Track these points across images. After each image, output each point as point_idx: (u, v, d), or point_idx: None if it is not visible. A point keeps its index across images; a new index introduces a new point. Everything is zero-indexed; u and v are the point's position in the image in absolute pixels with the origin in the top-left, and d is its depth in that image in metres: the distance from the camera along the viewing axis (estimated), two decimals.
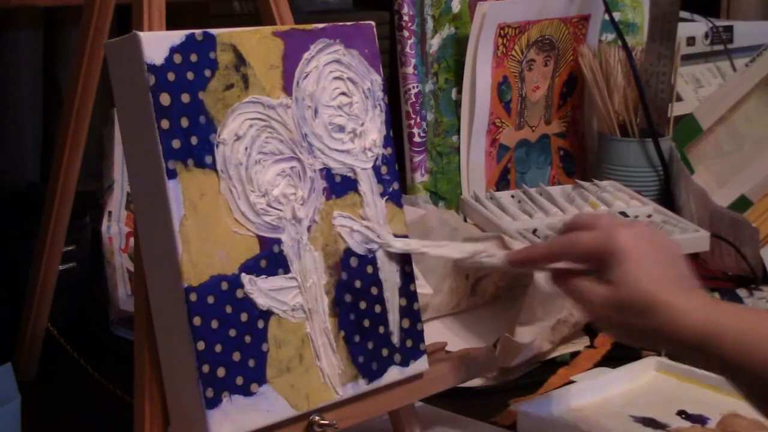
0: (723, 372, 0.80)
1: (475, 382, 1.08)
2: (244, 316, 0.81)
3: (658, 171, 1.54)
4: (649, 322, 0.80)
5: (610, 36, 1.64)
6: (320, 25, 0.89)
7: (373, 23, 0.93)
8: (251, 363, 0.82)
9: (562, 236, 0.87)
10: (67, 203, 1.07)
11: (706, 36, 1.81)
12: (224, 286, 0.80)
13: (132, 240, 1.22)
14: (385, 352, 0.90)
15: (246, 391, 0.81)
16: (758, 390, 0.78)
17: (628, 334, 0.84)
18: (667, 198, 1.54)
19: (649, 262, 0.81)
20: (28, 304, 1.10)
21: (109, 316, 1.21)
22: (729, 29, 1.85)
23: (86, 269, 1.24)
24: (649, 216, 1.44)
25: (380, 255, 0.91)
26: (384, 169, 0.92)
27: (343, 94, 0.90)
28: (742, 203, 1.45)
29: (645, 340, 0.86)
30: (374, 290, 0.90)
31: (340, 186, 0.89)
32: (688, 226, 1.41)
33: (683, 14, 1.72)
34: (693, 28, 1.80)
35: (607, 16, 1.61)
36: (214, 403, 0.79)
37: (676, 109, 1.58)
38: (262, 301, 0.82)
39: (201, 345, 0.79)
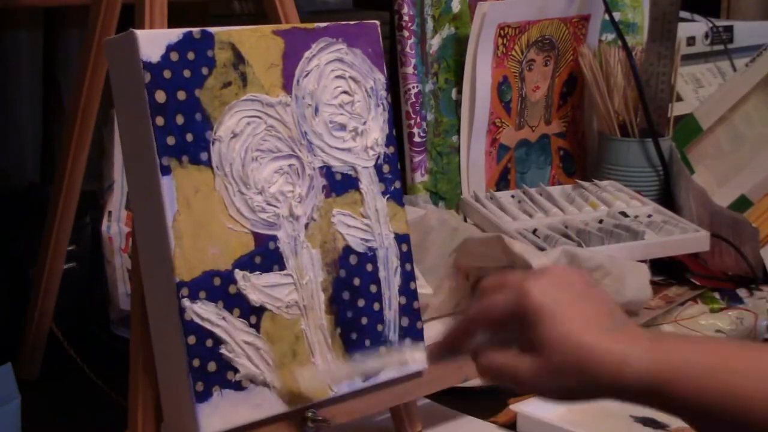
0: (680, 415, 0.71)
1: (475, 382, 1.08)
2: (236, 312, 0.82)
3: (658, 171, 1.54)
4: (588, 379, 0.70)
5: (610, 36, 1.64)
6: (322, 24, 0.90)
7: (377, 23, 0.93)
8: None
9: (475, 305, 0.77)
10: (72, 203, 1.07)
11: (706, 36, 1.81)
12: (217, 281, 0.81)
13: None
14: (383, 349, 0.90)
15: (237, 386, 0.82)
16: (710, 423, 0.70)
17: (570, 396, 0.73)
18: (667, 198, 1.54)
19: (572, 312, 0.71)
20: (32, 303, 1.11)
21: (109, 316, 1.21)
22: (729, 29, 1.85)
23: (86, 269, 1.24)
24: (649, 216, 1.44)
25: (380, 253, 0.91)
26: (386, 168, 0.92)
27: (345, 92, 0.90)
28: (742, 203, 1.45)
29: (590, 397, 0.74)
30: (373, 288, 0.90)
31: (340, 184, 0.89)
32: (688, 226, 1.40)
33: (683, 14, 1.72)
34: (693, 28, 1.80)
35: (607, 16, 1.61)
36: (204, 397, 0.80)
37: (676, 109, 1.58)
38: (255, 297, 0.83)
39: (192, 339, 0.79)
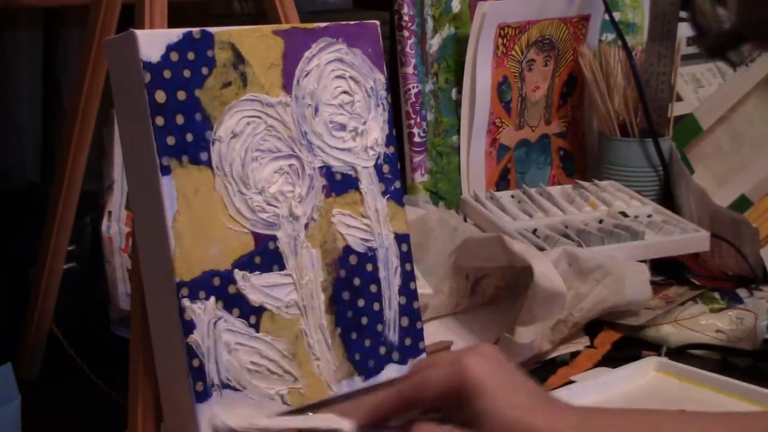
0: None
1: None
2: (235, 312, 0.82)
3: (658, 171, 1.54)
4: None
5: (610, 36, 1.64)
6: (322, 24, 0.90)
7: (377, 23, 0.93)
8: None
9: (407, 381, 0.77)
10: (72, 203, 1.07)
11: None
12: (216, 281, 0.81)
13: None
14: (382, 350, 0.90)
15: (237, 386, 0.82)
16: None
17: None
18: (667, 198, 1.54)
19: (506, 388, 0.73)
20: (32, 303, 1.11)
21: (109, 316, 1.21)
22: None
23: (86, 269, 1.24)
24: (649, 216, 1.44)
25: (380, 253, 0.91)
26: (386, 168, 0.92)
27: (345, 92, 0.90)
28: (742, 203, 1.45)
29: None
30: (373, 288, 0.90)
31: (340, 184, 0.89)
32: (688, 226, 1.40)
33: (683, 14, 1.72)
34: None
35: (607, 16, 1.61)
36: (204, 397, 0.80)
37: (676, 109, 1.58)
38: (254, 297, 0.83)
39: (192, 339, 0.79)
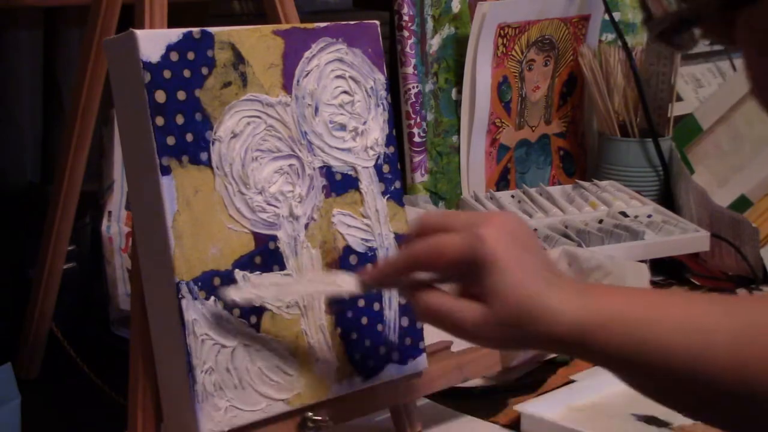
0: (607, 365, 0.74)
1: (475, 382, 1.08)
2: (236, 312, 0.82)
3: (658, 171, 1.54)
4: (527, 330, 0.73)
5: (610, 36, 1.64)
6: (322, 24, 0.90)
7: (377, 22, 0.93)
8: None
9: (422, 242, 0.76)
10: (72, 203, 1.07)
11: None
12: (217, 281, 0.81)
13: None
14: (382, 350, 0.90)
15: (237, 386, 0.81)
16: (642, 379, 0.73)
17: (505, 343, 0.78)
18: (667, 198, 1.54)
19: (520, 265, 0.73)
20: (32, 303, 1.11)
21: (109, 316, 1.21)
22: None
23: (86, 269, 1.24)
24: (649, 216, 1.44)
25: (380, 253, 0.91)
26: (386, 168, 0.92)
27: (345, 92, 0.90)
28: (742, 203, 1.45)
29: (523, 346, 0.79)
30: None
31: (340, 184, 0.89)
32: (688, 226, 1.41)
33: None
34: None
35: (607, 16, 1.61)
36: (204, 397, 0.80)
37: (676, 109, 1.58)
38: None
39: (192, 339, 0.79)
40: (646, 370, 0.72)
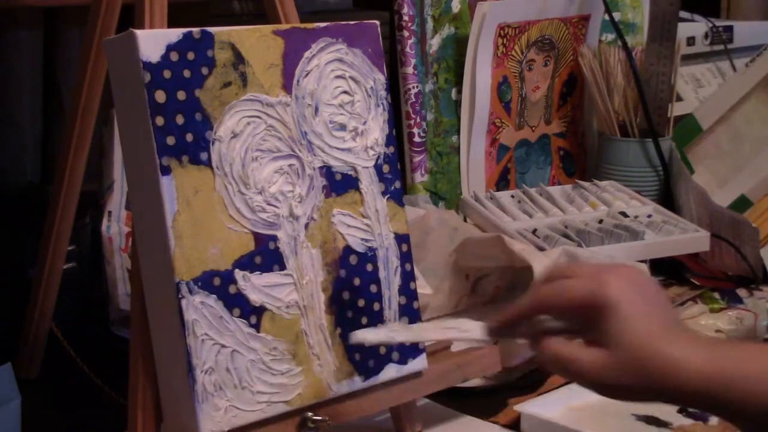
0: (734, 420, 0.73)
1: (475, 382, 1.08)
2: (236, 312, 0.82)
3: (658, 171, 1.54)
4: (650, 380, 0.72)
5: (610, 36, 1.64)
6: (322, 24, 0.90)
7: (377, 22, 0.93)
8: None
9: (546, 286, 0.77)
10: (72, 203, 1.07)
11: (706, 36, 1.81)
12: (217, 281, 0.81)
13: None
14: (382, 350, 0.90)
15: (237, 386, 0.82)
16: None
17: (626, 395, 0.75)
18: (667, 198, 1.54)
19: (643, 314, 0.73)
20: (32, 303, 1.11)
21: (109, 316, 1.21)
22: (729, 29, 1.85)
23: (86, 269, 1.24)
24: (649, 216, 1.44)
25: (380, 253, 0.91)
26: (386, 168, 0.92)
27: (345, 92, 0.90)
28: (742, 203, 1.45)
29: (645, 398, 0.76)
30: (373, 288, 0.90)
31: (340, 184, 0.89)
32: (688, 226, 1.40)
33: (683, 14, 1.72)
34: (693, 28, 1.80)
35: (607, 16, 1.61)
36: (204, 397, 0.80)
37: (676, 109, 1.58)
38: (255, 297, 0.83)
39: (192, 339, 0.79)
40: None
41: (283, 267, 0.85)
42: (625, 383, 0.73)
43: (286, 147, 0.86)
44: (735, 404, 0.71)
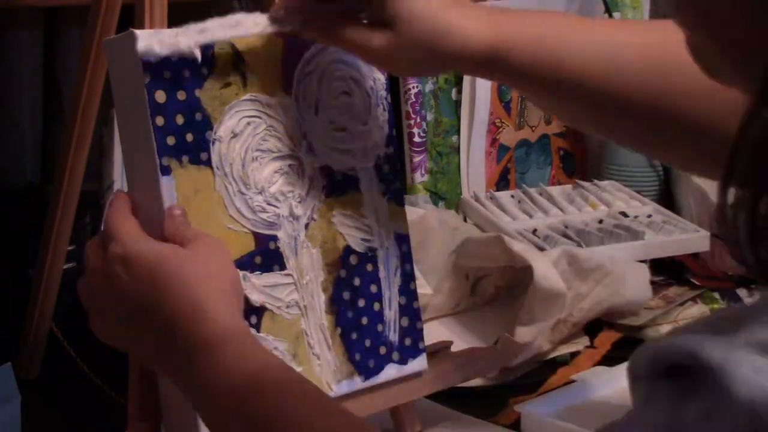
0: (520, 84, 0.79)
1: (475, 382, 1.08)
2: None
3: (658, 171, 1.54)
4: (438, 53, 0.76)
5: None
6: None
7: None
8: None
9: None
10: (72, 203, 1.07)
11: None
12: None
13: None
14: (382, 350, 0.90)
15: None
16: (547, 93, 0.77)
17: (417, 69, 0.82)
18: (667, 198, 1.54)
19: None
20: (32, 303, 1.11)
21: None
22: None
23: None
24: (649, 216, 1.44)
25: (380, 253, 0.91)
26: (386, 168, 0.92)
27: (345, 93, 0.90)
28: None
29: (437, 70, 0.86)
30: (373, 288, 0.90)
31: (340, 184, 0.89)
32: (688, 226, 1.41)
33: None
34: None
35: (606, 16, 1.61)
36: None
37: None
38: (255, 297, 0.82)
39: None
40: (556, 88, 0.76)
41: (283, 267, 0.85)
42: (415, 57, 0.77)
43: (287, 147, 0.86)
44: (516, 69, 0.76)
